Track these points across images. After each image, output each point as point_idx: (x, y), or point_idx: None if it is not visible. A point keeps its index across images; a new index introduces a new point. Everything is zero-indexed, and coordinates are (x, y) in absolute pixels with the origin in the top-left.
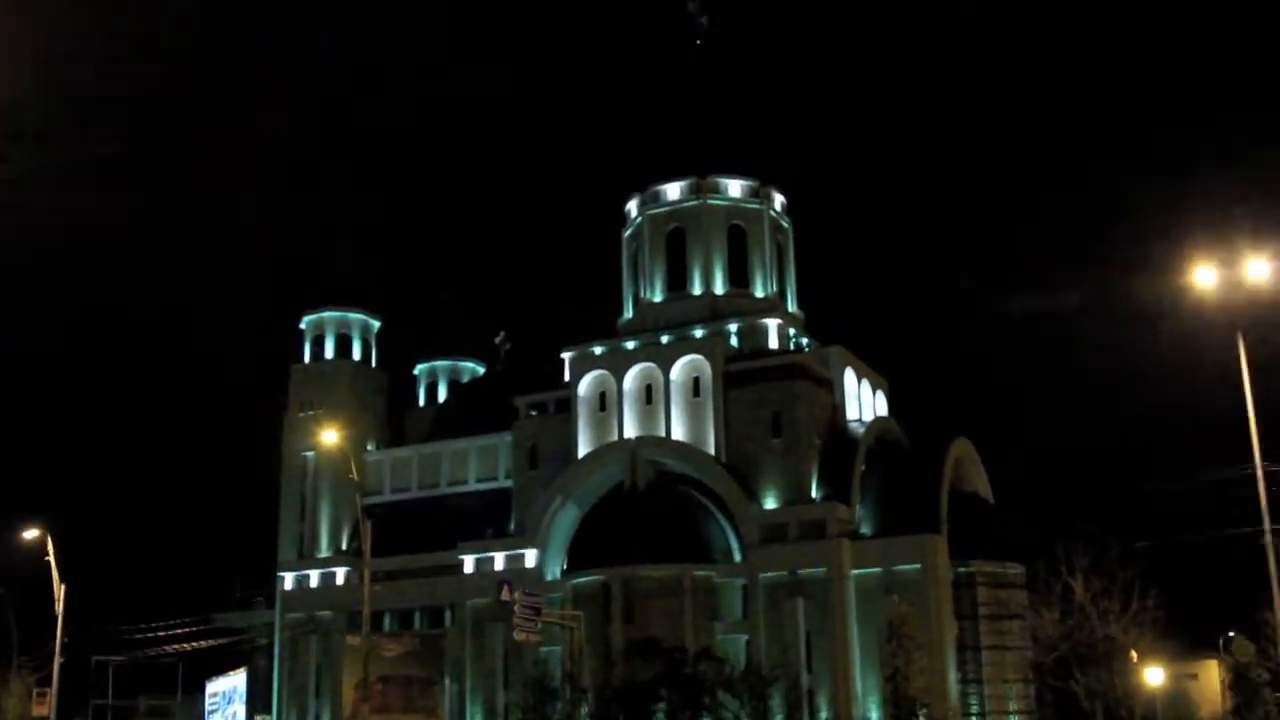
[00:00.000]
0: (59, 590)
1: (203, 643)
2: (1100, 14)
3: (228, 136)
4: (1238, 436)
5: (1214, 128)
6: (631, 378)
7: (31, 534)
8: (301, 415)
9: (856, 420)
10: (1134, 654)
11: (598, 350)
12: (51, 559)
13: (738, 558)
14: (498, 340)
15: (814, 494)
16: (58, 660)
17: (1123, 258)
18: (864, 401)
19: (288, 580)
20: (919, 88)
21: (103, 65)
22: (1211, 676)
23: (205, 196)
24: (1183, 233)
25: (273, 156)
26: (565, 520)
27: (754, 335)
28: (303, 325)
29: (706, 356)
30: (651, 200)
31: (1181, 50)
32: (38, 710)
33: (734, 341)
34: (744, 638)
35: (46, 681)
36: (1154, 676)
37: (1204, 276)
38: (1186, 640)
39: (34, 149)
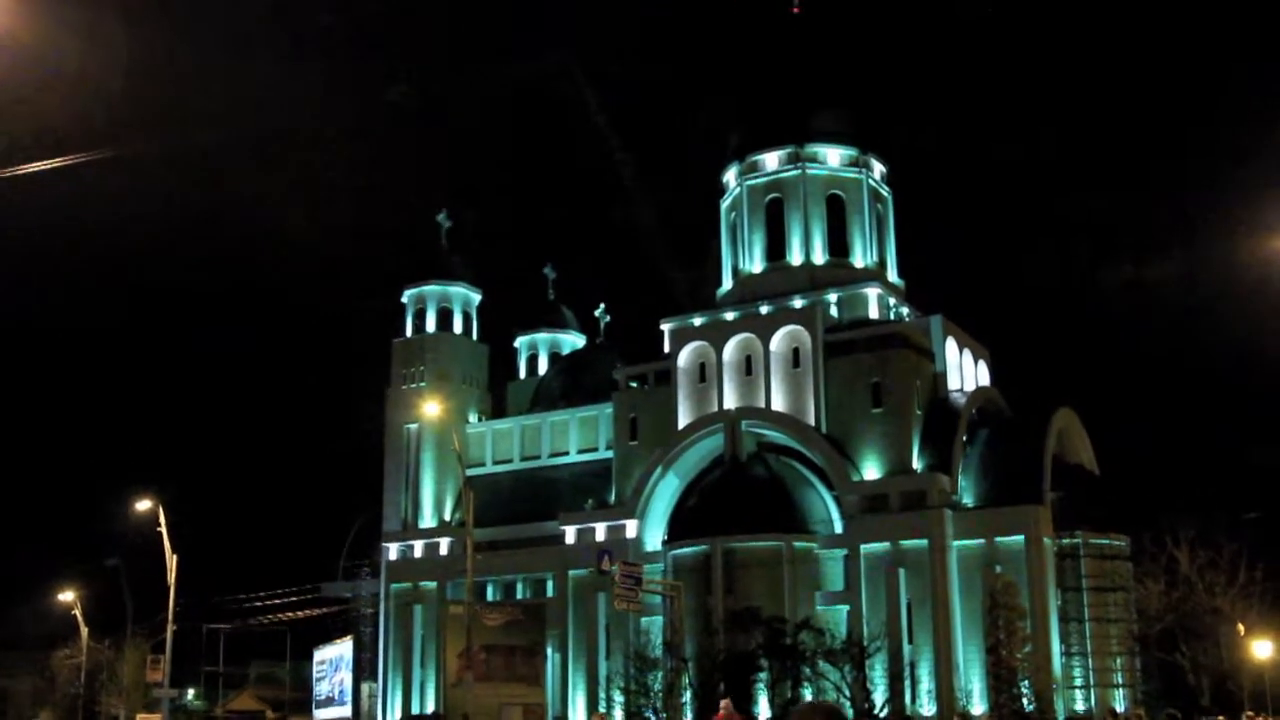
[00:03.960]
0: (171, 561)
1: (310, 612)
2: None
3: (327, 114)
4: None
5: None
6: (731, 349)
7: (144, 506)
8: (404, 388)
9: (958, 390)
10: (1241, 626)
11: (697, 321)
12: (164, 530)
13: (838, 528)
14: (597, 312)
15: (915, 464)
16: (170, 628)
17: (1230, 224)
18: (965, 371)
19: (392, 551)
20: (1022, 51)
21: (201, 48)
22: None
23: (306, 173)
24: None
25: (372, 132)
26: (666, 491)
27: (854, 305)
28: (404, 299)
29: (806, 326)
30: (749, 170)
31: None
32: (152, 677)
33: (834, 311)
34: (845, 608)
35: (160, 649)
36: (1262, 649)
37: None
38: None
39: (143, 134)
